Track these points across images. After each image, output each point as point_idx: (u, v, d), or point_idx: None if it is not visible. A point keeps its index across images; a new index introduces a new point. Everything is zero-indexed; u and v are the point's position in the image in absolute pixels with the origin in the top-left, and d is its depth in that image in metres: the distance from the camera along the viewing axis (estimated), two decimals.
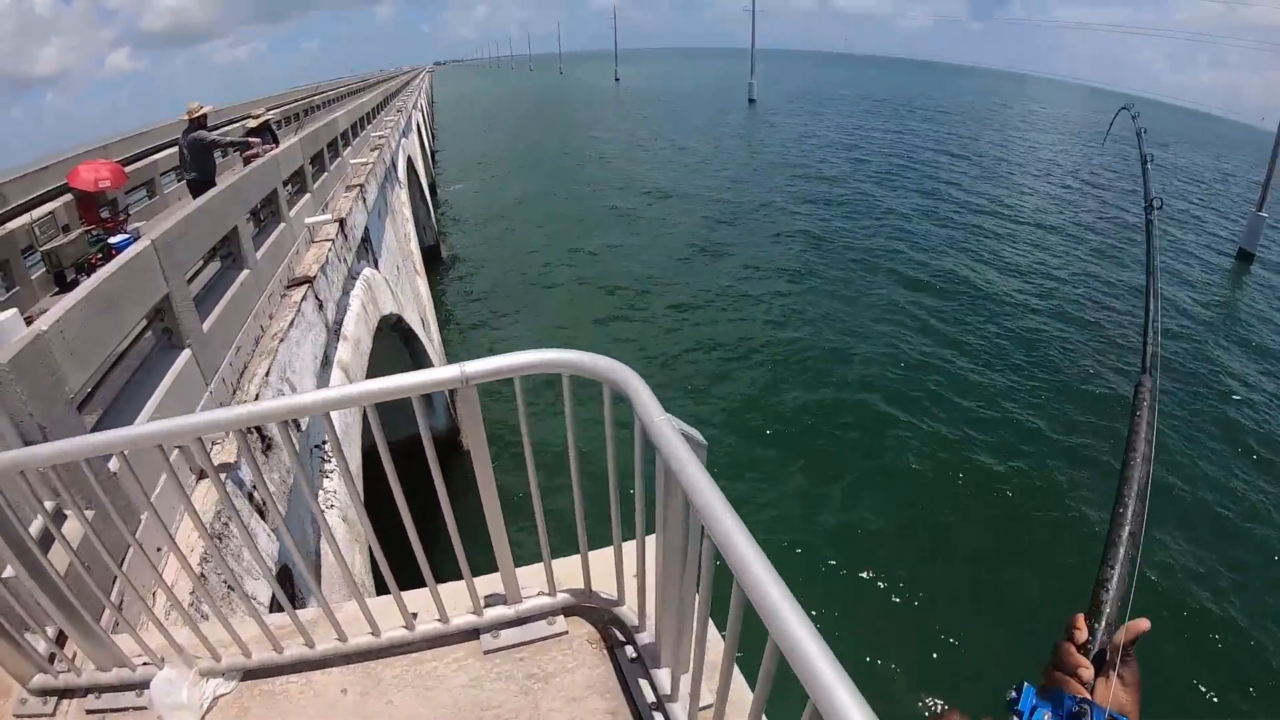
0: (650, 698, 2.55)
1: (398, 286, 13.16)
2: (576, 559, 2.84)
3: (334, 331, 8.50)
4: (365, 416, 2.18)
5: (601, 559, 2.76)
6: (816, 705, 1.04)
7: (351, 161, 14.16)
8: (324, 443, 7.33)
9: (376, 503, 2.79)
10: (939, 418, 15.44)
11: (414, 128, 33.57)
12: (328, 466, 6.93)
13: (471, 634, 2.76)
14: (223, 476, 2.84)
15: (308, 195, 10.23)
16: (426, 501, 2.50)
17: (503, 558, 2.68)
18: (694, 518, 1.92)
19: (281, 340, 6.48)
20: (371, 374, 9.68)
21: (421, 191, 27.67)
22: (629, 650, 2.71)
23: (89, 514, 2.54)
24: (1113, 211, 31.63)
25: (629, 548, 2.59)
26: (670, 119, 72.12)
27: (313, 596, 2.87)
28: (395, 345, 12.36)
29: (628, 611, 2.74)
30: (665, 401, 1.89)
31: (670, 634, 2.40)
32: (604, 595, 2.80)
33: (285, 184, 9.20)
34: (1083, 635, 0.92)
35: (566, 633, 2.78)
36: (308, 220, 9.29)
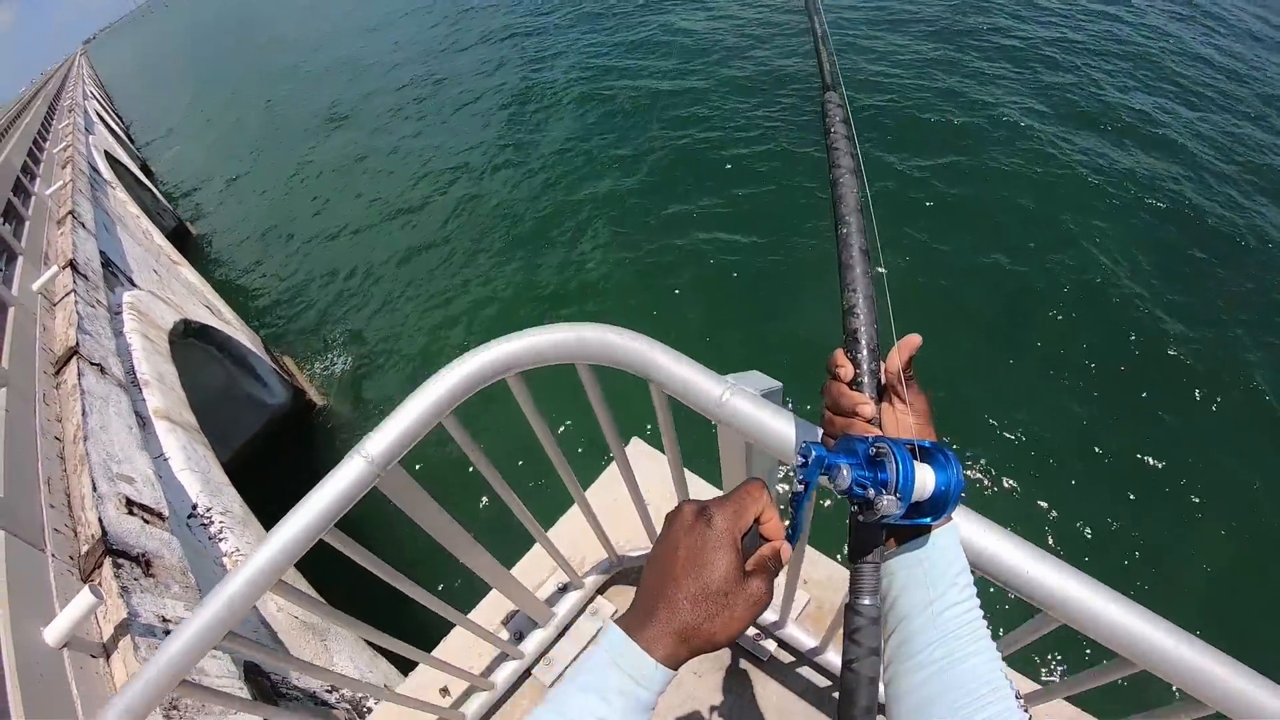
0: (749, 630, 2.08)
1: (166, 291, 11.24)
2: (569, 524, 2.25)
3: (132, 384, 7.11)
4: None
5: (606, 512, 2.15)
6: None
7: (48, 192, 11.65)
8: (195, 507, 6.33)
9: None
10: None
11: (95, 120, 28.49)
12: (212, 530, 5.97)
13: (523, 678, 2.17)
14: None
15: (20, 260, 8.31)
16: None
17: (498, 577, 1.93)
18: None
19: (86, 438, 5.26)
20: (192, 398, 8.35)
21: (137, 180, 23.82)
22: None
23: None
24: None
25: (648, 484, 1.96)
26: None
27: None
28: (198, 353, 10.67)
29: None
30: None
31: None
32: (633, 554, 2.22)
33: None
34: (848, 371, 0.78)
35: (616, 610, 2.23)
36: (35, 287, 7.51)
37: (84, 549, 4.49)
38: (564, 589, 2.21)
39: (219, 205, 25.19)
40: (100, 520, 4.61)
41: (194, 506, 5.99)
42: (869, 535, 0.75)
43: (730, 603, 0.67)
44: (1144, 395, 8.62)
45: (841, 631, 0.74)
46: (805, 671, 2.02)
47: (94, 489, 4.82)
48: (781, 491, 1.42)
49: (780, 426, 1.10)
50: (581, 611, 2.21)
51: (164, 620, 4.13)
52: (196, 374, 9.75)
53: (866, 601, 0.72)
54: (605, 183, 15.40)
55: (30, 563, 4.27)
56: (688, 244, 12.51)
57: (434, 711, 1.96)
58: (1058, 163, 12.36)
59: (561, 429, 8.64)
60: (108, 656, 3.81)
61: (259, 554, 1.22)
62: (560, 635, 2.18)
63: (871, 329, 0.81)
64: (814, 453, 0.71)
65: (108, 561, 4.28)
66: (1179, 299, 9.70)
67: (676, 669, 0.67)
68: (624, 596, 2.27)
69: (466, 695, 2.10)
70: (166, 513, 5.26)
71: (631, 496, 1.87)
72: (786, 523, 0.75)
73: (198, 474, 6.51)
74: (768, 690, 2.02)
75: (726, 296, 11.19)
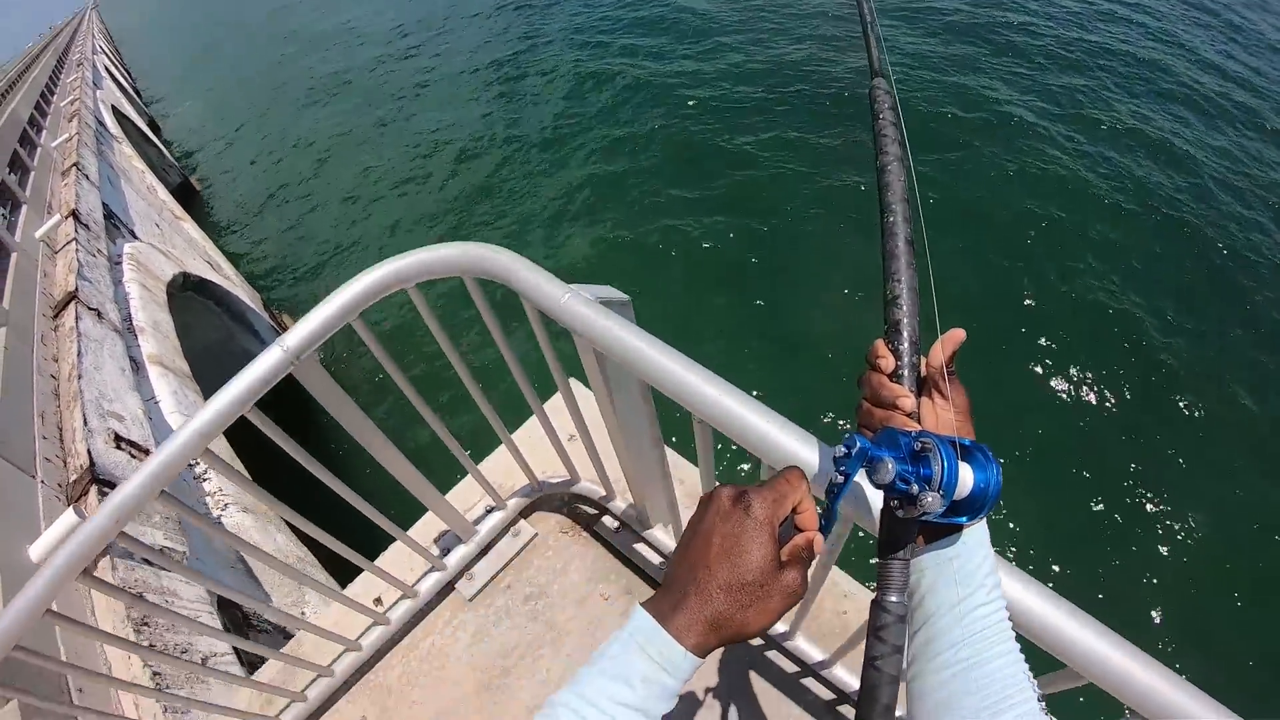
0: (655, 557, 2.28)
1: (167, 245, 11.48)
2: (499, 457, 2.46)
3: (128, 330, 7.34)
4: None
5: (530, 444, 2.37)
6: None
7: (54, 145, 11.86)
8: None
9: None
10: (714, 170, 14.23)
11: (104, 74, 28.58)
12: (196, 470, 6.20)
13: (446, 590, 2.39)
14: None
15: (24, 208, 8.53)
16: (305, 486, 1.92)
17: (427, 496, 2.17)
18: (641, 385, 1.54)
19: (80, 377, 5.49)
20: (187, 347, 8.60)
21: (144, 135, 23.96)
22: (608, 521, 2.40)
23: None
24: None
25: (555, 417, 2.14)
26: None
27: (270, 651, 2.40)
28: (196, 305, 10.93)
29: (588, 485, 2.39)
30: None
31: (645, 491, 2.09)
32: (553, 480, 2.43)
33: None
34: (889, 363, 0.79)
35: (536, 534, 2.43)
36: (38, 234, 7.74)
37: (72, 478, 4.73)
38: (490, 511, 2.42)
39: (224, 164, 25.27)
40: (89, 452, 4.85)
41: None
42: (903, 531, 0.74)
43: (765, 593, 0.66)
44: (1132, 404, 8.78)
45: (859, 640, 0.70)
46: (809, 683, 2.08)
47: (85, 423, 5.04)
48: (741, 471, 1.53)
49: (618, 332, 1.27)
50: (504, 533, 2.40)
51: (160, 552, 4.35)
52: (194, 327, 9.98)
53: (894, 599, 0.72)
54: (616, 163, 15.44)
55: (21, 488, 4.51)
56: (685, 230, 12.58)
57: (368, 615, 2.19)
58: (1072, 168, 12.42)
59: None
60: (89, 574, 4.06)
61: (191, 423, 1.44)
62: (482, 553, 2.39)
63: (914, 321, 0.81)
64: (858, 444, 0.71)
65: (94, 489, 4.53)
66: (1180, 317, 9.82)
67: (704, 657, 0.66)
68: (544, 522, 2.47)
69: (395, 604, 2.31)
70: (153, 449, 5.48)
71: (543, 425, 2.09)
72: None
73: (187, 417, 6.73)
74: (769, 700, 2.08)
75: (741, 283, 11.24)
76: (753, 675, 2.09)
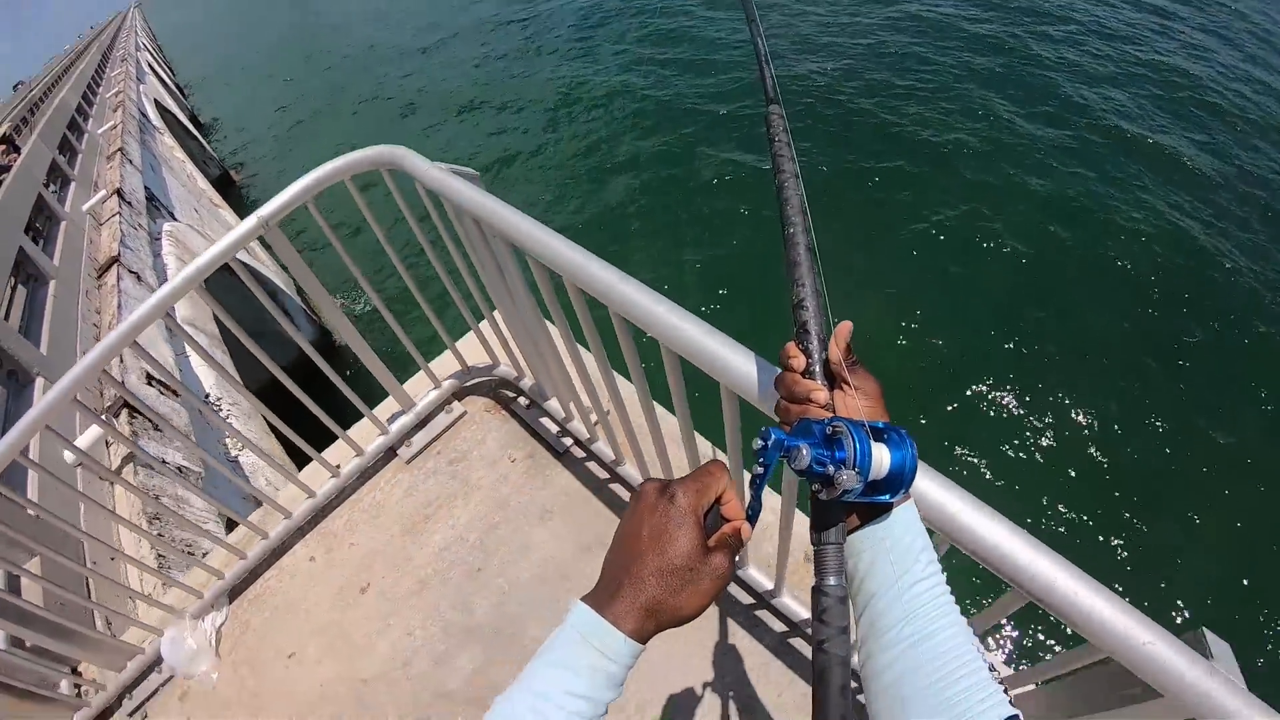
0: (554, 428, 2.80)
1: (205, 228, 12.32)
2: (448, 352, 3.00)
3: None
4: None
5: (471, 342, 2.92)
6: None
7: (100, 131, 12.84)
8: (207, 396, 7.22)
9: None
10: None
11: (147, 70, 30.02)
12: (222, 414, 6.85)
13: (390, 454, 2.93)
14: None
15: (73, 185, 9.35)
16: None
17: (384, 377, 2.80)
18: (497, 242, 2.04)
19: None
20: (221, 322, 9.30)
21: (185, 129, 25.12)
22: (521, 400, 2.93)
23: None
24: None
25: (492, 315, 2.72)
26: None
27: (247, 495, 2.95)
28: (231, 285, 11.59)
29: (505, 369, 2.94)
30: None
31: (539, 366, 2.60)
32: (480, 366, 2.97)
33: (46, 185, 8.37)
34: (801, 362, 0.85)
35: (466, 413, 2.98)
36: (85, 207, 8.55)
37: (107, 404, 5.37)
38: (430, 390, 2.96)
39: (265, 158, 25.92)
40: (123, 383, 5.49)
41: (206, 395, 6.88)
42: (831, 515, 0.76)
43: (695, 577, 0.70)
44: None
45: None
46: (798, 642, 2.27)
47: (120, 361, 5.69)
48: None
49: (464, 190, 1.83)
50: (439, 410, 2.96)
51: (164, 462, 4.95)
52: (228, 305, 10.66)
53: (832, 581, 0.73)
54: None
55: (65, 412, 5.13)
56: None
57: (326, 468, 2.77)
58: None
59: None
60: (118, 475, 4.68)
61: (185, 269, 2.07)
62: (421, 424, 2.94)
63: (820, 320, 0.86)
64: (773, 435, 0.74)
65: (124, 412, 5.16)
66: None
67: (645, 643, 0.69)
68: (475, 403, 3.03)
69: (348, 463, 2.87)
70: (180, 392, 6.13)
71: (473, 326, 2.64)
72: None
73: (214, 370, 7.40)
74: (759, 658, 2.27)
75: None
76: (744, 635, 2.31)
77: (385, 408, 3.02)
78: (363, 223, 2.26)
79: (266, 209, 2.11)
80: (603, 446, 2.61)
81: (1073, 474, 8.00)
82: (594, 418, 2.56)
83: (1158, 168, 12.02)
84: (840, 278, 10.32)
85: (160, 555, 4.33)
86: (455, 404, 2.98)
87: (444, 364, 3.04)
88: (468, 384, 3.00)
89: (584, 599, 0.71)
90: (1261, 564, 7.08)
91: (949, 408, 8.84)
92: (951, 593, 0.79)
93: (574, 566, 2.50)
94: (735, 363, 1.26)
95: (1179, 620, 6.72)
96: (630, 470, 2.55)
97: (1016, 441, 8.36)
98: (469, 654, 2.39)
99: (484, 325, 2.77)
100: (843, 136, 14.09)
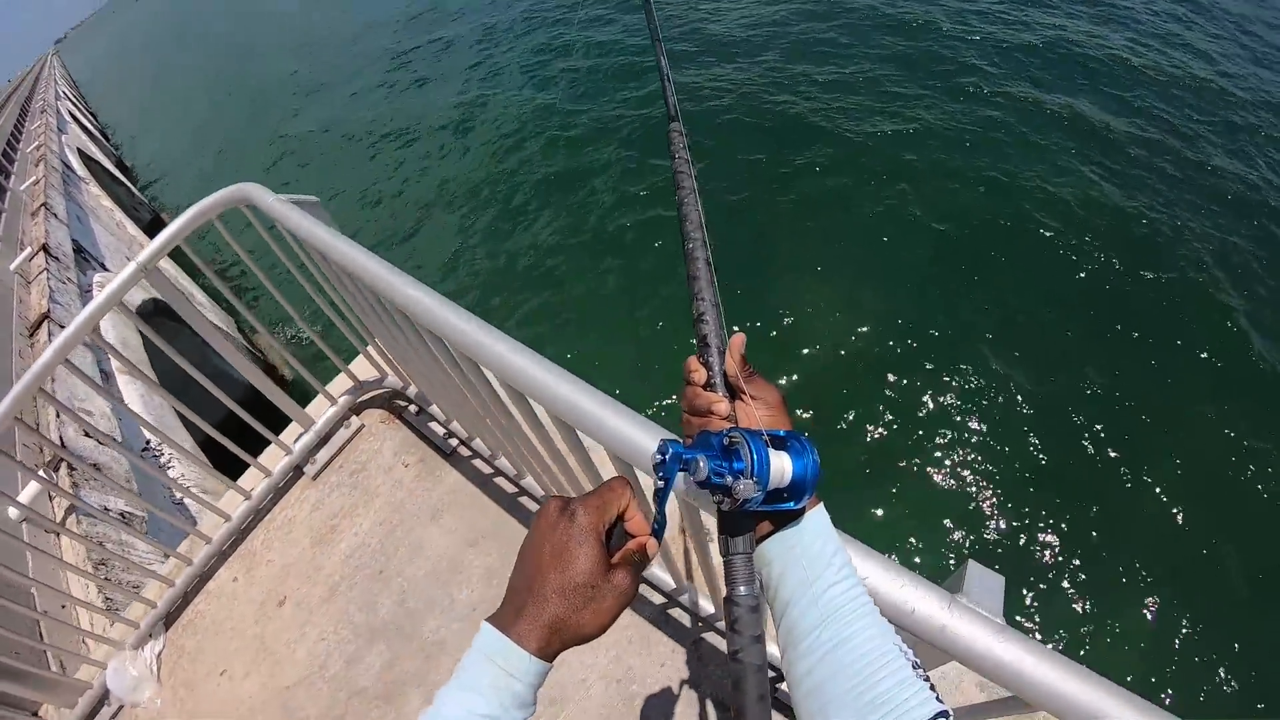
0: (440, 430, 2.99)
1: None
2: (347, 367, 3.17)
3: (97, 347, 8.07)
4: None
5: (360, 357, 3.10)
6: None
7: (22, 188, 12.74)
8: (147, 443, 7.31)
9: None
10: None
11: (69, 119, 29.55)
12: (161, 460, 6.96)
13: (297, 473, 3.11)
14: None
15: None
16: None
17: (283, 403, 3.01)
18: (332, 266, 2.21)
19: (53, 381, 6.24)
20: (160, 367, 9.34)
21: (112, 176, 24.74)
22: (411, 408, 3.11)
23: None
24: None
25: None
26: None
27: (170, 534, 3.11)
28: (168, 329, 11.55)
29: (393, 380, 3.12)
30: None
31: (421, 375, 2.78)
32: (370, 380, 3.15)
33: None
34: (701, 375, 0.85)
35: (364, 426, 3.17)
36: (12, 267, 8.55)
37: (47, 457, 5.46)
38: (329, 409, 3.14)
39: (193, 195, 25.27)
40: (60, 438, 5.58)
41: (147, 443, 6.96)
42: (738, 524, 0.76)
43: (597, 595, 0.69)
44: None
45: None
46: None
47: (57, 416, 5.77)
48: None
49: (301, 222, 2.01)
50: (339, 425, 3.14)
51: (106, 510, 5.06)
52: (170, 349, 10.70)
53: (743, 590, 0.73)
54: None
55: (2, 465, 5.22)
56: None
57: (238, 491, 2.95)
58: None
59: None
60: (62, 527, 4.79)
61: (74, 321, 2.26)
62: (323, 442, 3.12)
63: (720, 333, 0.86)
64: (670, 449, 0.73)
65: (64, 465, 5.26)
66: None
67: (550, 661, 0.69)
68: (371, 415, 3.21)
69: (258, 486, 3.03)
70: (119, 438, 6.22)
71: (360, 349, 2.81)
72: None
73: (152, 417, 7.50)
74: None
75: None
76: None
77: (291, 431, 3.18)
78: (269, 253, 2.44)
79: (142, 255, 2.30)
80: (480, 445, 2.80)
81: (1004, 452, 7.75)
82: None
83: (1076, 133, 12.02)
84: (762, 280, 10.21)
85: (107, 597, 4.45)
86: (354, 418, 3.16)
87: (342, 383, 3.21)
88: (363, 398, 3.19)
89: (489, 620, 0.70)
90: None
91: (883, 399, 8.58)
92: (868, 594, 0.79)
93: (463, 560, 2.70)
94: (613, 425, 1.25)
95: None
96: (505, 464, 2.75)
97: (947, 430, 8.09)
98: (376, 651, 2.58)
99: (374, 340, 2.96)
100: (751, 137, 13.70)
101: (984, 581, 1.06)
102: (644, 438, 1.18)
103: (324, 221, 2.07)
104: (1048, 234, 10.17)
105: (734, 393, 0.85)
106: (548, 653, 0.68)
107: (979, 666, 0.95)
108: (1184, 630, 6.33)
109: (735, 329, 0.85)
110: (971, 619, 0.95)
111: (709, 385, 0.84)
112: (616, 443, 1.21)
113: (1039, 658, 0.92)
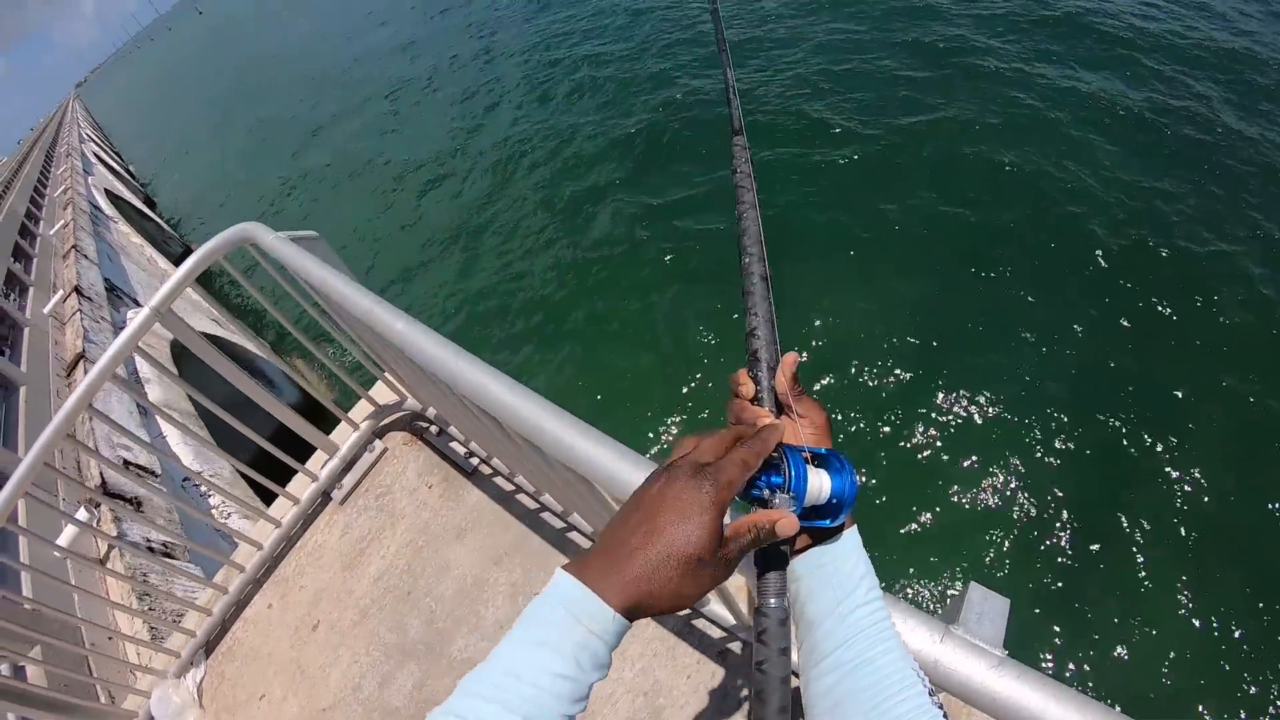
0: (461, 449, 3.03)
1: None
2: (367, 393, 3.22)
3: (134, 381, 8.30)
4: None
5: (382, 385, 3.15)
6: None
7: (52, 232, 13.12)
8: (186, 479, 7.47)
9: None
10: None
11: (94, 160, 30.33)
12: (202, 490, 7.10)
13: (325, 499, 3.16)
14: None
15: (31, 289, 9.61)
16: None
17: (308, 432, 3.07)
18: (344, 310, 2.25)
19: (91, 419, 6.41)
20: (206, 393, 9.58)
21: (140, 213, 25.39)
22: (432, 429, 3.16)
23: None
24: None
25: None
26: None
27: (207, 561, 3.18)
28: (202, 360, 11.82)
29: (412, 403, 3.17)
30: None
31: (436, 398, 2.82)
32: (390, 404, 3.20)
33: (5, 295, 8.63)
34: (749, 389, 0.84)
35: (387, 449, 3.21)
36: (46, 310, 8.80)
37: (89, 496, 5.61)
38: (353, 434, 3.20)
39: (221, 225, 25.62)
40: (101, 474, 5.73)
41: (185, 478, 7.13)
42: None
43: (700, 568, 0.66)
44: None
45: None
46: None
47: (97, 452, 5.93)
48: None
49: (299, 259, 2.05)
50: (363, 450, 3.19)
51: (148, 541, 5.19)
52: (203, 379, 10.94)
53: (773, 603, 0.72)
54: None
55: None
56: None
57: (268, 520, 3.02)
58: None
59: None
60: (104, 563, 4.92)
61: (93, 369, 2.30)
62: (348, 467, 3.17)
63: (771, 349, 0.86)
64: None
65: (105, 501, 5.39)
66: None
67: (633, 622, 0.65)
68: (394, 438, 3.26)
69: (287, 513, 3.10)
70: (159, 471, 6.38)
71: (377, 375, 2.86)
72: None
73: (190, 447, 7.67)
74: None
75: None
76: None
77: (317, 458, 3.24)
78: (294, 288, 2.51)
79: (154, 299, 2.36)
80: (499, 463, 2.84)
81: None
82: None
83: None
84: (821, 299, 10.00)
85: (152, 628, 4.56)
86: (377, 442, 3.21)
87: (364, 408, 3.27)
88: (384, 422, 3.24)
89: (566, 568, 0.65)
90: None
91: (897, 413, 8.40)
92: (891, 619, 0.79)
93: (488, 577, 2.73)
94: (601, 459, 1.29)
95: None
96: (524, 481, 2.79)
97: (962, 446, 7.90)
98: (407, 671, 2.62)
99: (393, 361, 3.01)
100: (812, 153, 13.16)
101: (986, 606, 1.05)
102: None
103: (323, 256, 2.12)
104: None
105: (780, 409, 0.85)
106: (634, 613, 0.64)
107: (976, 702, 0.93)
108: (1214, 653, 6.09)
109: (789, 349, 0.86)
110: (967, 652, 0.94)
111: (756, 400, 0.84)
112: (609, 483, 1.24)
113: (1041, 691, 0.90)
